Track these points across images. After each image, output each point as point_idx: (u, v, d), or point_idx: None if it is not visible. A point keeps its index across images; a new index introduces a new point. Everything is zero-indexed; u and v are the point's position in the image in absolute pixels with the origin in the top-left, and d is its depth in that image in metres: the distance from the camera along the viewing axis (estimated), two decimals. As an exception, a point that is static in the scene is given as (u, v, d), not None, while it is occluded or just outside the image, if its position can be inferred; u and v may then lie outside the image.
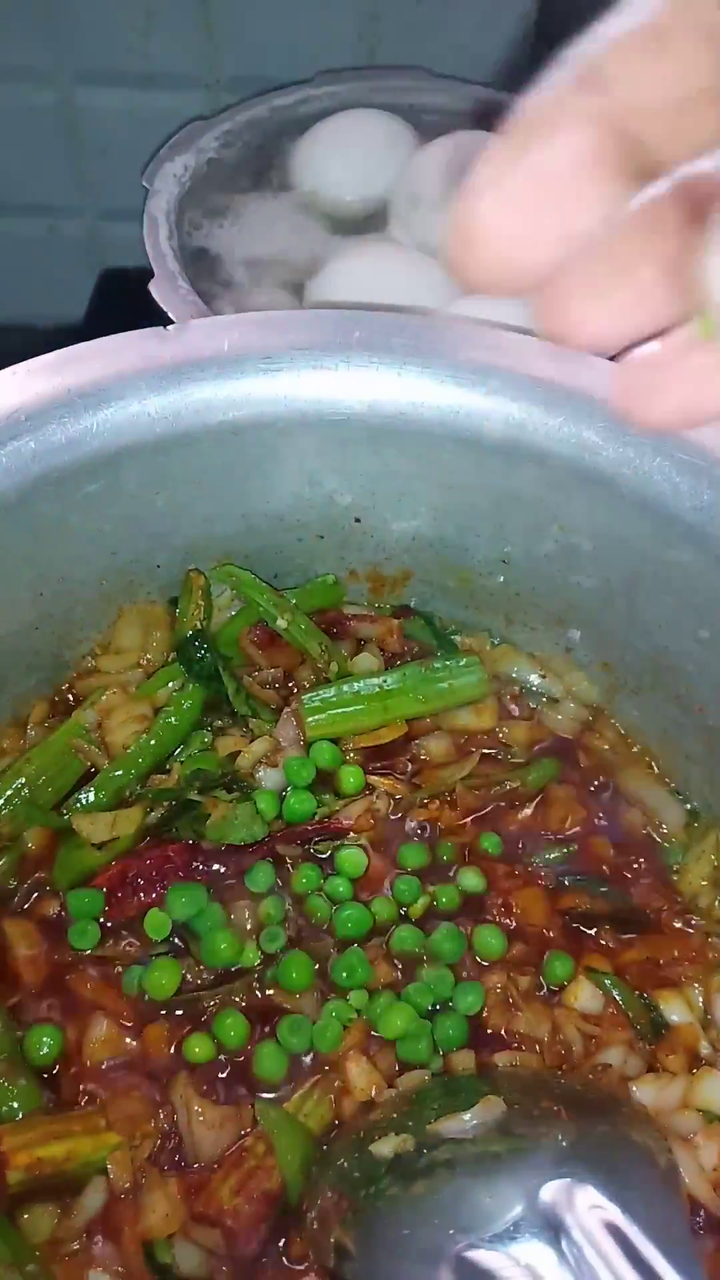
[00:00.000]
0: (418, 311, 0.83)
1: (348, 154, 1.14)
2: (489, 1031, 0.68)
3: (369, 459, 0.75)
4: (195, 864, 0.71)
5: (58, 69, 1.30)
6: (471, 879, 0.73)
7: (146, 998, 0.67)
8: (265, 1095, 0.65)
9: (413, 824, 0.76)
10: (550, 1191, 0.53)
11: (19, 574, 0.72)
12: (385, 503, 0.78)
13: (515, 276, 0.34)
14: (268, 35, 1.26)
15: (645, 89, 0.30)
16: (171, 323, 0.72)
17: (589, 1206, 0.52)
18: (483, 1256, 0.52)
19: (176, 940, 0.69)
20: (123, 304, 1.40)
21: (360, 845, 0.73)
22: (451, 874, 0.73)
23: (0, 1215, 0.60)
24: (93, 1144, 0.62)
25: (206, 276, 1.05)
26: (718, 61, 0.29)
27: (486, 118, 1.17)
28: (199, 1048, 0.65)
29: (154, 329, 0.70)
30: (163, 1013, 0.67)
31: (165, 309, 0.93)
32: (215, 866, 0.71)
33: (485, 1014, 0.69)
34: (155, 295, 0.94)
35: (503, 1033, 0.68)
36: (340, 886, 0.72)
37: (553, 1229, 0.52)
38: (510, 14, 1.23)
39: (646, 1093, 0.66)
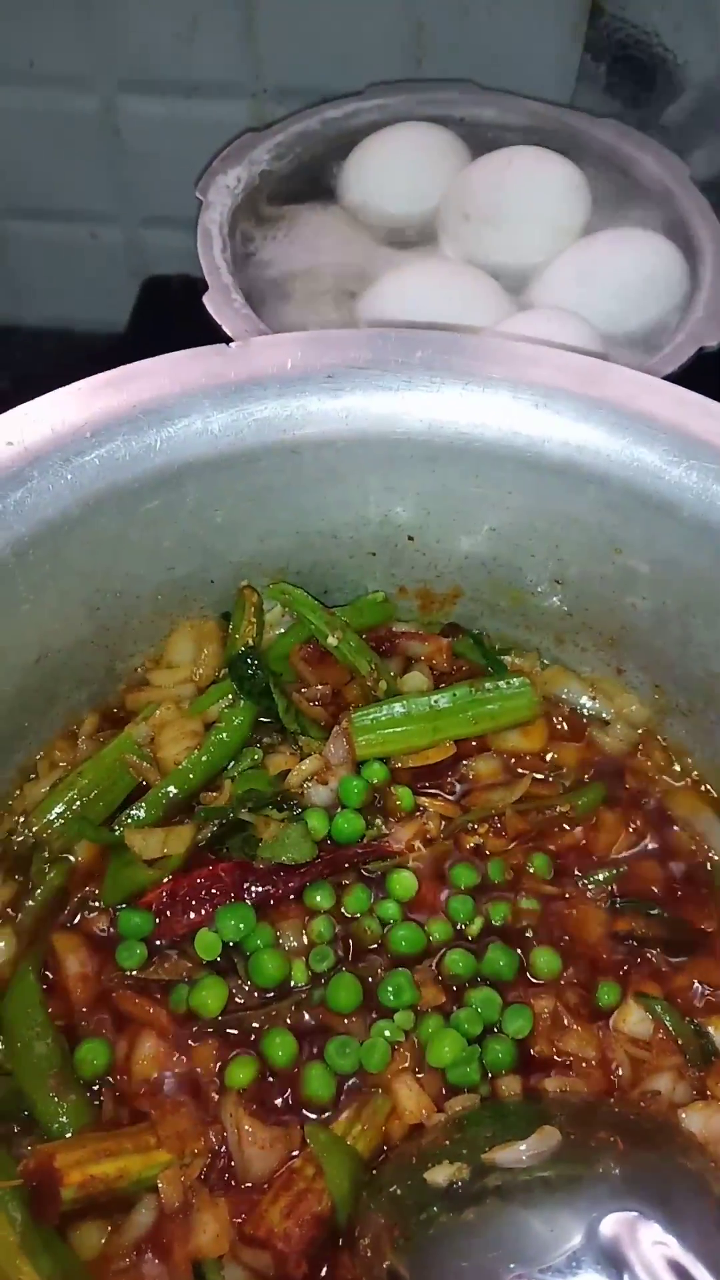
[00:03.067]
0: (474, 329, 0.82)
1: (398, 167, 1.14)
2: (533, 1053, 0.68)
3: (427, 478, 0.75)
4: (246, 884, 0.71)
5: (101, 76, 1.30)
6: (526, 901, 0.73)
7: (194, 1016, 0.67)
8: (313, 1116, 0.65)
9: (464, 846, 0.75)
10: (611, 1225, 0.53)
11: (77, 589, 0.72)
12: (440, 521, 0.78)
13: None
14: (312, 45, 1.26)
15: None
16: (223, 335, 0.72)
17: (652, 1242, 0.52)
18: (540, 1288, 0.52)
19: (224, 959, 0.69)
20: (166, 312, 1.41)
21: (410, 868, 0.73)
22: (513, 897, 0.73)
23: (53, 1231, 0.60)
24: (144, 1162, 0.62)
25: (257, 288, 1.05)
26: None
27: (537, 131, 1.17)
28: (241, 1073, 0.65)
29: (217, 346, 0.70)
30: (211, 1031, 0.67)
31: (219, 322, 0.93)
32: (265, 887, 0.71)
33: (533, 1038, 0.68)
34: (209, 308, 0.94)
35: (551, 1057, 0.68)
36: (391, 909, 0.71)
37: (614, 1263, 0.52)
38: (559, 26, 1.22)
39: (695, 1120, 0.65)
